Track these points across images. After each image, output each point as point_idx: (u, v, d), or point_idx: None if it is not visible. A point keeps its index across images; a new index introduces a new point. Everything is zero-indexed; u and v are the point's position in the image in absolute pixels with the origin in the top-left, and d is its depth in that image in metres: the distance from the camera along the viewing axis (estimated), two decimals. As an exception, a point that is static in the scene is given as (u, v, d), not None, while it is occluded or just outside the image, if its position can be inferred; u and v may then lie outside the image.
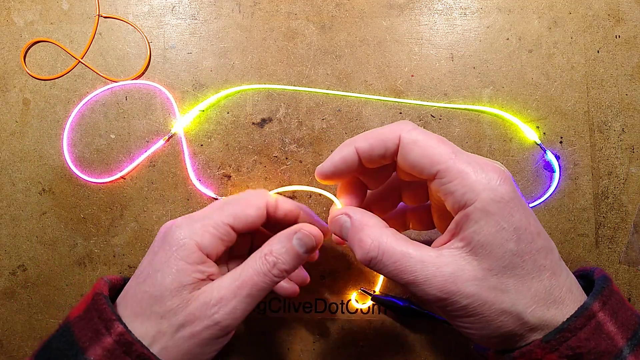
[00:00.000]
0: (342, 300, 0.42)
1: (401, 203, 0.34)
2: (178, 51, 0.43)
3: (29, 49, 0.44)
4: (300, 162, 0.42)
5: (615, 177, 0.41)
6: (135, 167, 0.43)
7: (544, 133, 0.42)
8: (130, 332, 0.26)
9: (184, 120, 0.43)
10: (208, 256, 0.29)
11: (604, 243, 0.41)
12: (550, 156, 0.41)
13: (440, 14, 0.43)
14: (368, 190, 0.33)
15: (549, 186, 0.41)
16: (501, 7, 0.42)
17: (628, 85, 0.42)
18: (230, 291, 0.28)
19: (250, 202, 0.31)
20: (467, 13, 0.43)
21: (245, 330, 0.42)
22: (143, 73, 0.43)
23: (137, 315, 0.28)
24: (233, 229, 0.30)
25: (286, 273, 0.29)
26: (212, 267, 0.29)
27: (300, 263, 0.30)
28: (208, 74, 0.43)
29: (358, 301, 0.42)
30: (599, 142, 0.41)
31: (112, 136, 0.43)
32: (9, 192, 0.43)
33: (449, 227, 0.27)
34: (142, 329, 0.28)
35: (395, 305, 0.40)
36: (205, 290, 0.28)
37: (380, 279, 0.41)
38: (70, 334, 0.27)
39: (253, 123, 0.43)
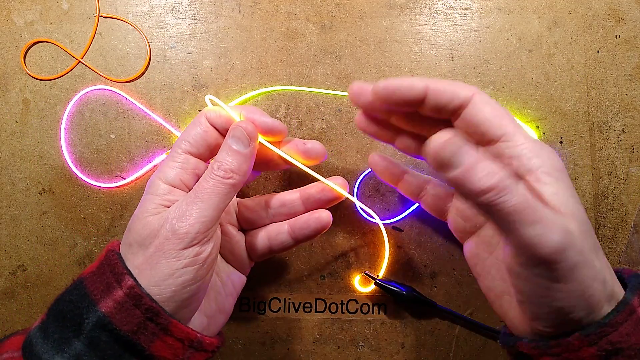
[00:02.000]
0: (342, 300, 0.42)
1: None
2: (178, 51, 0.43)
3: (29, 49, 0.44)
4: (300, 162, 0.42)
5: (615, 177, 0.41)
6: (135, 168, 0.43)
7: (544, 133, 0.42)
8: (140, 285, 0.27)
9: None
10: (174, 186, 0.30)
11: (604, 243, 0.41)
12: (550, 156, 0.41)
13: (440, 14, 0.43)
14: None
15: (549, 186, 0.41)
16: (501, 7, 0.42)
17: (628, 85, 0.42)
18: (185, 203, 0.29)
19: (192, 124, 0.32)
20: (467, 13, 0.43)
21: (245, 330, 0.42)
22: (143, 73, 0.43)
23: (121, 252, 0.30)
24: (189, 153, 0.31)
25: (232, 173, 0.30)
26: (179, 196, 0.30)
27: (245, 160, 0.31)
28: (208, 74, 0.43)
29: (361, 285, 0.42)
30: (599, 142, 0.41)
31: (112, 136, 0.43)
32: (9, 192, 0.43)
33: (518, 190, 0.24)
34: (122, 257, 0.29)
35: (397, 292, 0.40)
36: (167, 210, 0.29)
37: (383, 266, 0.41)
38: (82, 288, 0.28)
39: (253, 123, 0.43)
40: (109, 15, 0.44)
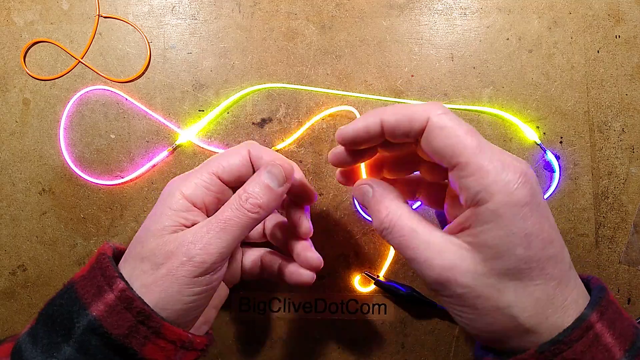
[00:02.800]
0: (342, 300, 0.42)
1: (417, 172, 0.33)
2: (178, 51, 0.43)
3: (29, 49, 0.44)
4: (300, 162, 0.42)
5: (615, 177, 0.41)
6: (135, 168, 0.43)
7: (544, 133, 0.42)
8: (132, 288, 0.27)
9: (190, 132, 0.43)
10: (195, 205, 0.30)
11: (604, 243, 0.41)
12: (550, 156, 0.41)
13: (440, 14, 0.43)
14: (384, 152, 0.32)
15: (549, 186, 0.41)
16: (501, 7, 0.42)
17: (628, 85, 0.42)
18: (205, 228, 0.29)
19: (232, 151, 0.32)
20: (467, 13, 0.43)
21: (246, 330, 0.42)
22: (143, 73, 0.43)
23: (125, 260, 0.29)
24: (218, 177, 0.31)
25: (260, 208, 0.29)
26: (198, 216, 0.30)
27: (275, 199, 0.30)
28: (208, 74, 0.43)
29: (361, 285, 0.42)
30: (599, 142, 0.41)
31: (112, 136, 0.43)
32: (9, 192, 0.43)
33: (459, 218, 0.26)
34: (126, 270, 0.29)
35: (397, 292, 0.40)
36: (185, 232, 0.29)
37: (385, 265, 0.41)
38: (73, 291, 0.28)
39: (253, 123, 0.43)
40: (109, 15, 0.43)
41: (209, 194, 0.31)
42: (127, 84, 0.43)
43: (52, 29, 0.44)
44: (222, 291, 0.36)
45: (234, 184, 0.32)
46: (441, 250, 0.26)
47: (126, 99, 0.43)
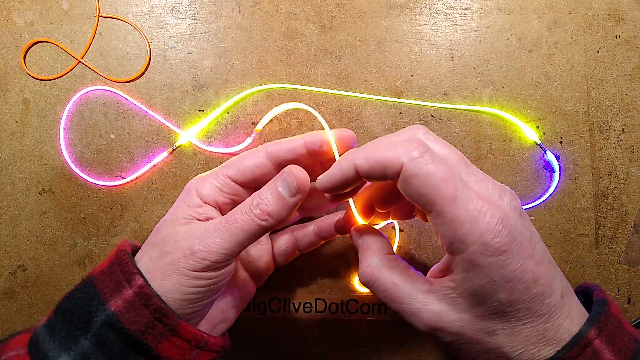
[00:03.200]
0: (342, 300, 0.42)
1: None
2: (178, 51, 0.43)
3: (29, 49, 0.44)
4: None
5: (615, 177, 0.41)
6: (135, 168, 0.43)
7: (544, 133, 0.42)
8: (150, 286, 0.27)
9: (190, 133, 0.43)
10: (207, 203, 0.31)
11: (604, 243, 0.41)
12: (550, 156, 0.41)
13: (440, 14, 0.43)
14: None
15: (549, 186, 0.41)
16: (501, 7, 0.42)
17: (628, 85, 0.42)
18: (213, 226, 0.29)
19: (248, 154, 0.32)
20: (467, 13, 0.43)
21: (245, 330, 0.42)
22: (143, 73, 0.43)
23: (141, 249, 0.30)
24: (232, 179, 0.31)
25: (269, 216, 0.29)
26: (212, 212, 0.31)
27: (286, 209, 0.30)
28: (208, 74, 0.43)
29: (361, 285, 0.41)
30: (599, 142, 0.41)
31: (112, 136, 0.43)
32: (9, 192, 0.43)
33: (439, 264, 0.27)
34: (139, 255, 0.30)
35: None
36: (197, 225, 0.29)
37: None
38: (92, 286, 0.28)
39: (253, 123, 0.43)
40: (109, 15, 0.44)
41: (222, 194, 0.31)
42: (127, 84, 0.43)
43: (52, 29, 0.44)
44: (245, 291, 0.37)
45: (254, 185, 0.32)
46: (426, 302, 0.26)
47: (126, 99, 0.43)
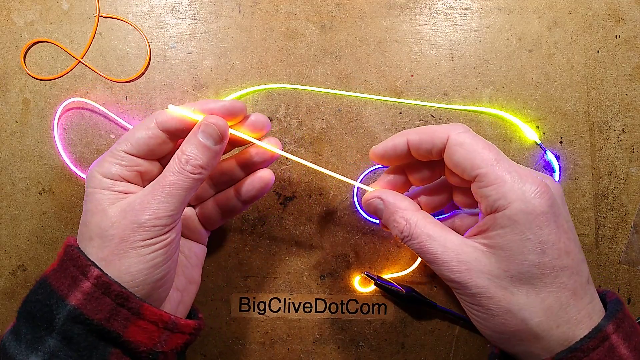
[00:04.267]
0: (342, 300, 0.42)
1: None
2: (178, 51, 0.43)
3: (29, 49, 0.44)
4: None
5: (615, 177, 0.41)
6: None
7: (544, 133, 0.42)
8: (107, 274, 0.27)
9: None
10: (115, 180, 0.30)
11: (604, 243, 0.41)
12: (550, 156, 0.41)
13: (440, 14, 0.43)
14: (419, 187, 0.35)
15: (549, 186, 0.41)
16: (501, 7, 0.42)
17: (628, 85, 0.42)
18: (149, 195, 0.29)
19: (139, 126, 0.31)
20: (467, 13, 0.43)
21: (245, 330, 0.42)
22: (143, 73, 0.43)
23: (80, 246, 0.29)
24: (129, 153, 0.31)
25: (201, 169, 0.30)
26: (127, 186, 0.30)
27: (215, 155, 0.30)
28: (208, 74, 0.43)
29: (361, 285, 0.42)
30: (599, 142, 0.41)
31: (112, 136, 0.43)
32: (9, 192, 0.43)
33: (477, 225, 0.28)
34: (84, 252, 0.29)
35: (397, 292, 0.40)
36: (126, 201, 0.29)
37: (410, 268, 0.41)
38: (47, 286, 0.28)
39: (253, 123, 0.43)
40: (109, 15, 0.43)
41: (125, 169, 0.30)
42: (127, 83, 0.43)
43: (52, 29, 0.44)
44: (198, 249, 0.37)
45: (151, 157, 0.32)
46: (458, 253, 0.27)
47: (126, 99, 0.43)
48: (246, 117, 0.34)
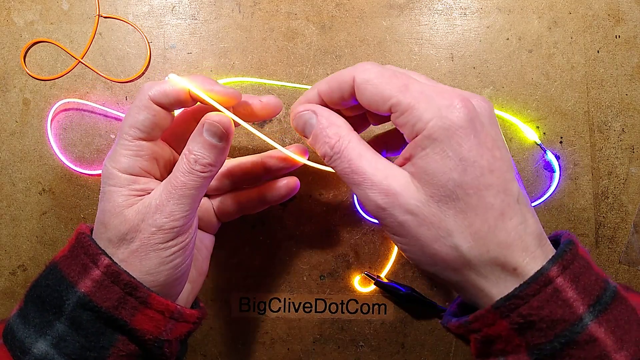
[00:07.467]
0: (342, 300, 0.42)
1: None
2: (178, 51, 0.43)
3: (29, 49, 0.44)
4: (300, 162, 0.42)
5: (615, 177, 0.41)
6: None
7: (544, 133, 0.42)
8: (116, 263, 0.28)
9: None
10: (135, 175, 0.30)
11: (604, 243, 0.41)
12: (550, 156, 0.41)
13: (440, 14, 0.43)
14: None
15: (549, 186, 0.41)
16: (501, 7, 0.42)
17: (628, 85, 0.42)
18: (164, 196, 0.29)
19: (135, 109, 0.30)
20: (467, 13, 0.43)
21: (246, 330, 0.42)
22: (143, 73, 0.43)
23: (100, 244, 0.29)
24: (140, 139, 0.30)
25: (210, 166, 0.30)
26: (148, 183, 0.30)
27: (221, 152, 0.30)
28: (208, 74, 0.43)
29: (361, 285, 0.42)
30: (599, 142, 0.41)
31: (112, 136, 0.43)
32: (9, 192, 0.43)
33: (402, 152, 0.27)
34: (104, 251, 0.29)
35: (397, 292, 0.40)
36: (143, 203, 0.29)
37: (387, 267, 0.41)
38: (58, 272, 0.28)
39: (253, 123, 0.43)
40: (109, 15, 0.44)
41: (141, 159, 0.30)
42: (127, 83, 0.43)
43: (52, 29, 0.44)
44: (207, 240, 0.37)
45: (161, 136, 0.31)
46: (388, 176, 0.26)
47: (126, 99, 0.43)
48: (257, 101, 0.34)
